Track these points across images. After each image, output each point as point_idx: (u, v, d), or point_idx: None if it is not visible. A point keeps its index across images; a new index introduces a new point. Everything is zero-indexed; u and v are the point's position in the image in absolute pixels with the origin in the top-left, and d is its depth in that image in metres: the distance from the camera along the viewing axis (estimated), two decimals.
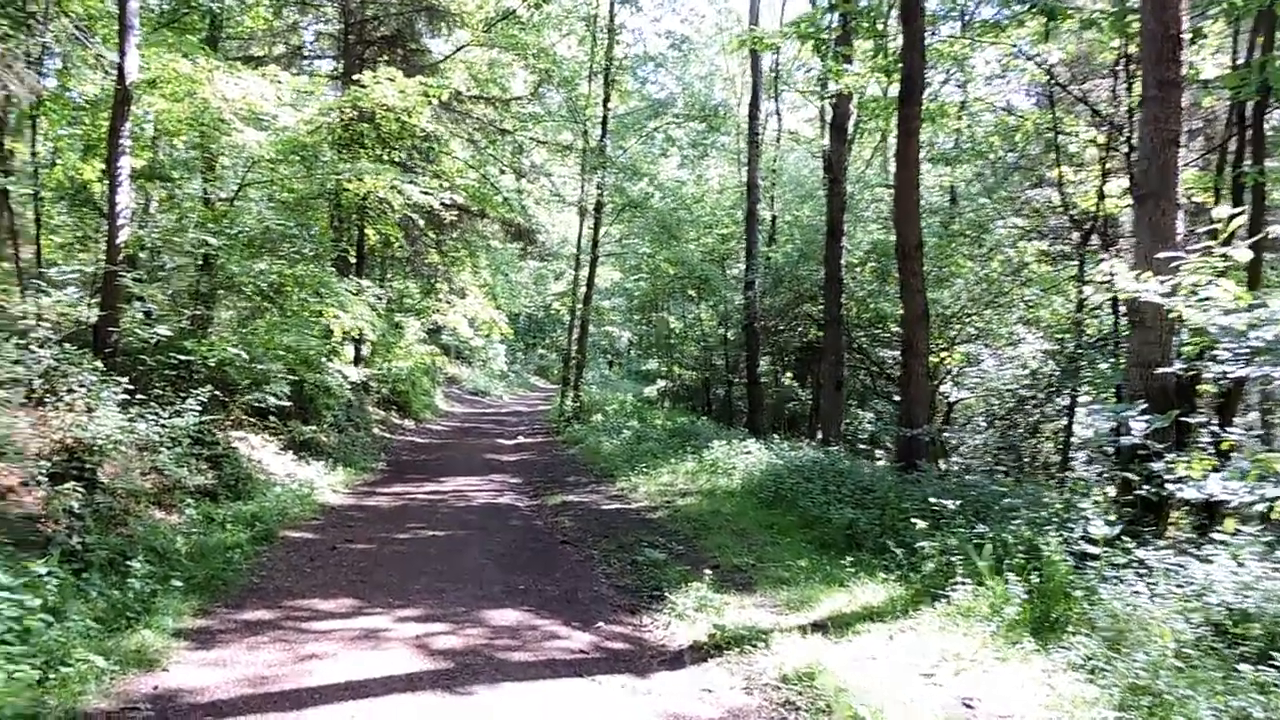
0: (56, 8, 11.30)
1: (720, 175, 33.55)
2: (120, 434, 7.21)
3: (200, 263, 11.26)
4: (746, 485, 11.12)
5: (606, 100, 21.10)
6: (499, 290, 32.57)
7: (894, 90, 15.41)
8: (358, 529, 8.33)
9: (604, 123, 21.09)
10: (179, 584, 5.37)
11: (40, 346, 7.44)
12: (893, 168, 22.68)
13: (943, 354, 16.38)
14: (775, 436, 14.90)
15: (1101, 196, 13.48)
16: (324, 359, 11.87)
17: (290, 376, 10.63)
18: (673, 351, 30.12)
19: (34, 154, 12.35)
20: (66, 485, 6.01)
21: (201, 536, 6.69)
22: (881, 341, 18.51)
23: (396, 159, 14.89)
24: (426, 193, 12.57)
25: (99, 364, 7.99)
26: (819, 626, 5.38)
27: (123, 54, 9.20)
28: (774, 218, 23.91)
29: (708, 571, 6.45)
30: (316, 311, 11.74)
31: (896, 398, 19.16)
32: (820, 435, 18.80)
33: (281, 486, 9.44)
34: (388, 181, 12.05)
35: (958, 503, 6.74)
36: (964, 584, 5.58)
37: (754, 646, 5.02)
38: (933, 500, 6.79)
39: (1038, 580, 5.40)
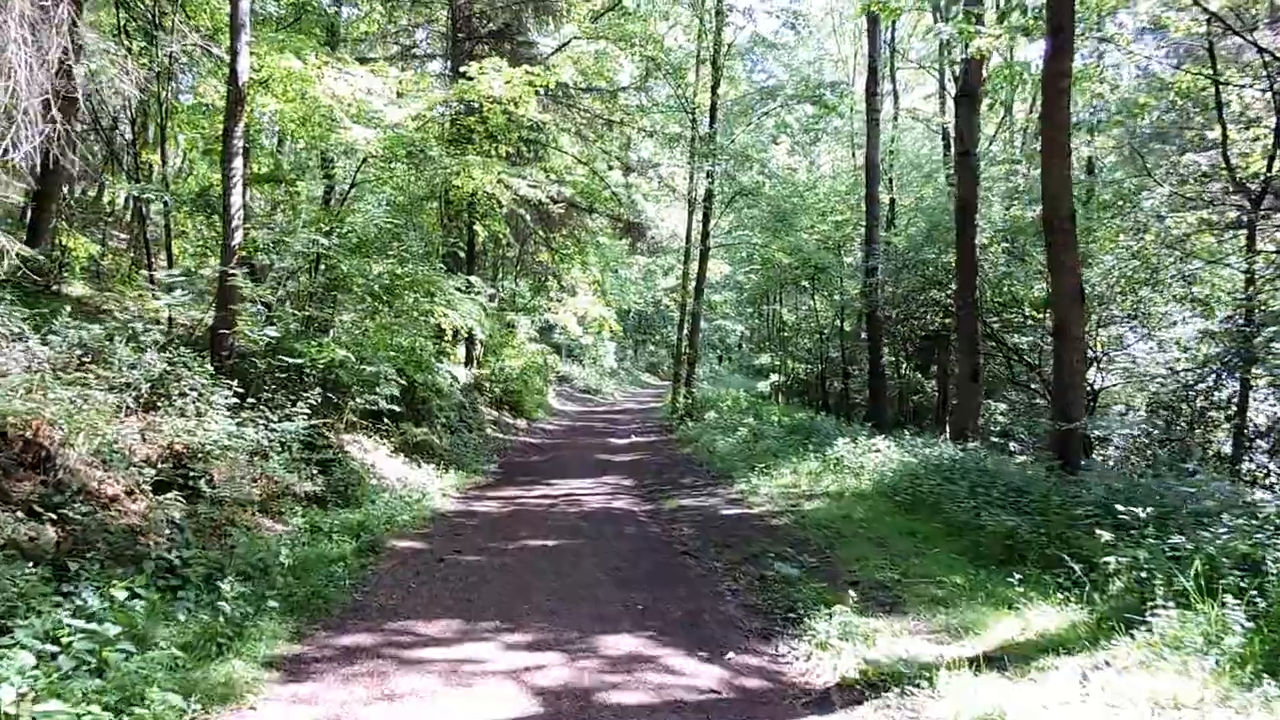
0: (186, 20, 11.48)
1: (833, 160, 32.33)
2: (229, 440, 7.04)
3: (313, 264, 11.23)
4: (878, 487, 10.25)
5: (715, 87, 20.37)
6: (608, 286, 32.33)
7: (1024, 55, 14.12)
8: (467, 538, 7.94)
9: (712, 110, 20.38)
10: (275, 604, 5.01)
11: (154, 349, 7.33)
12: (1019, 141, 21.13)
13: (1085, 337, 14.98)
14: (905, 432, 13.88)
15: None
16: (434, 359, 11.63)
17: (399, 380, 10.41)
18: (786, 345, 29.13)
19: (164, 162, 12.64)
20: (169, 495, 5.79)
21: (306, 548, 6.38)
22: (1013, 326, 17.11)
23: (504, 154, 14.58)
24: (534, 185, 12.19)
25: (210, 367, 7.88)
26: (992, 660, 4.55)
27: (234, 54, 9.14)
28: (892, 200, 22.71)
29: (851, 592, 5.67)
30: (426, 310, 11.55)
31: (1033, 386, 17.75)
32: (950, 430, 17.62)
33: (391, 492, 9.18)
34: (495, 175, 11.74)
35: (1147, 510, 5.74)
36: (1165, 608, 4.64)
37: (916, 686, 4.25)
38: (1120, 507, 5.78)
39: (1264, 604, 4.44)
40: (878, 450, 11.81)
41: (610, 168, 21.86)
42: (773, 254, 22.15)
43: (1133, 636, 4.58)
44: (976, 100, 13.36)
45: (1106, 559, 5.37)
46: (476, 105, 12.62)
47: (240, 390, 7.80)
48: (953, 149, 14.33)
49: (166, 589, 4.80)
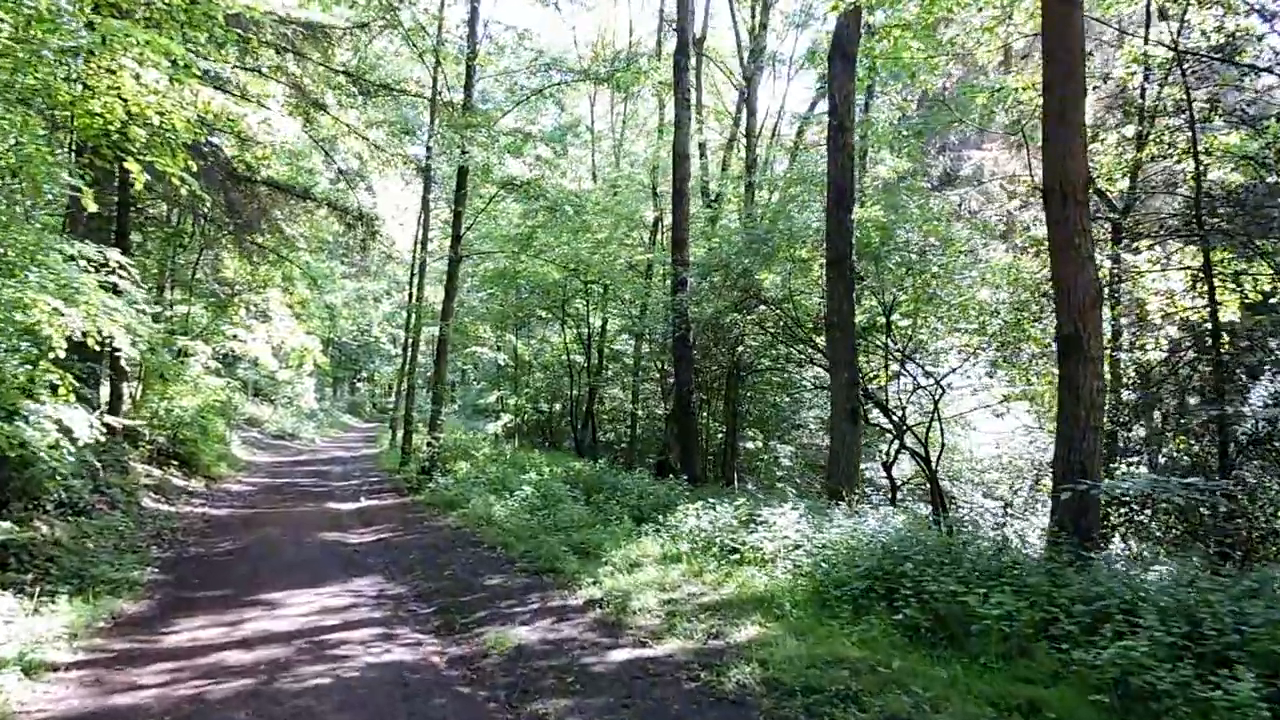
0: None
1: (577, 176, 29.12)
2: None
3: None
4: (825, 585, 6.57)
5: (473, 56, 16.10)
6: (315, 310, 26.41)
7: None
8: None
9: (468, 78, 16.11)
10: None
11: None
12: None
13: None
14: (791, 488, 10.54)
15: None
16: (23, 394, 6.18)
17: None
18: (519, 382, 25.43)
19: None
20: None
21: None
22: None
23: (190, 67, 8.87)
24: (242, 99, 7.15)
25: None
26: None
27: None
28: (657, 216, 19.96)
29: None
30: (16, 304, 6.09)
31: (879, 424, 15.29)
32: (760, 477, 14.71)
33: None
34: (162, 72, 6.53)
35: None
36: None
37: None
38: None
39: None
40: (763, 521, 8.24)
41: (329, 155, 16.74)
42: (538, 268, 18.09)
43: None
44: (852, 61, 10.49)
45: None
46: None
47: None
48: (826, 121, 11.30)
49: None
